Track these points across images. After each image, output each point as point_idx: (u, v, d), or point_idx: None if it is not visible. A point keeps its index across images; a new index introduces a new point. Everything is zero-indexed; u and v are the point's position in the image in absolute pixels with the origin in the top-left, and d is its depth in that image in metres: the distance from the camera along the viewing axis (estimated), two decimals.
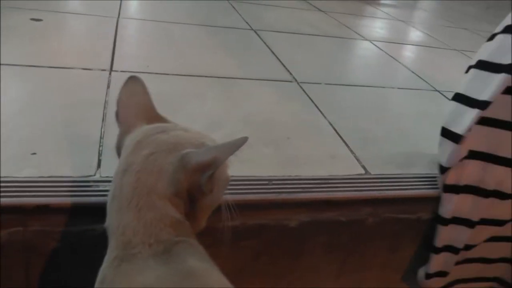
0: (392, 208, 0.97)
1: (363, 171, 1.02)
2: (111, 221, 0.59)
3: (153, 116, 0.68)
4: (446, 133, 1.00)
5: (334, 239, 0.95)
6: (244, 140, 0.56)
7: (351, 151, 1.09)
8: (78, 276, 0.84)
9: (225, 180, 0.64)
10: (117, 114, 0.68)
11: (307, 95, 1.35)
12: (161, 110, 1.14)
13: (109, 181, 0.86)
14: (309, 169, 0.99)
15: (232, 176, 0.92)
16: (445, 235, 1.01)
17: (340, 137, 1.14)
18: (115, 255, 0.56)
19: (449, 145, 0.98)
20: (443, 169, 0.99)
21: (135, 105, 0.68)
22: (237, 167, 0.92)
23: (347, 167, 1.02)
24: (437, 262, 1.03)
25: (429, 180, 1.05)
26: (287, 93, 1.36)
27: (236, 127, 1.11)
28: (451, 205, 0.99)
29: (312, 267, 0.97)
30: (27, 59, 1.28)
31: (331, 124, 1.20)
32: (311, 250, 0.96)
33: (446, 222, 1.00)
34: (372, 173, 1.02)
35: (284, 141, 1.08)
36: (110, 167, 0.89)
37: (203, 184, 0.56)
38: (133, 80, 0.69)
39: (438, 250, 1.03)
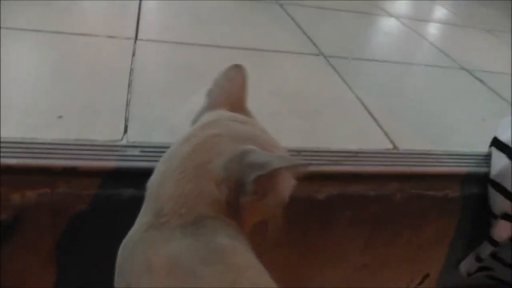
0: (419, 184, 0.96)
1: (391, 146, 1.00)
2: (153, 181, 0.58)
3: (239, 107, 0.67)
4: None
5: (361, 213, 0.94)
6: (303, 165, 0.56)
7: (379, 126, 1.07)
8: (103, 240, 0.84)
9: (279, 199, 0.61)
10: (210, 92, 0.67)
11: (334, 69, 1.32)
12: (187, 79, 1.13)
13: (136, 147, 0.86)
14: (337, 142, 0.97)
15: None
16: (493, 251, 1.01)
17: (368, 111, 1.12)
18: (146, 220, 0.56)
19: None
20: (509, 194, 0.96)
21: (228, 90, 0.68)
22: None
23: (375, 142, 1.00)
24: (479, 265, 1.03)
25: (457, 157, 1.03)
26: (314, 67, 1.34)
27: (264, 99, 1.10)
28: (507, 232, 0.97)
29: (338, 240, 0.96)
30: (51, 26, 1.27)
31: (358, 98, 1.17)
32: (338, 223, 0.95)
33: (496, 244, 0.99)
34: (401, 148, 1.00)
35: (312, 113, 1.07)
36: (137, 132, 0.88)
37: (248, 183, 0.54)
38: (237, 68, 0.70)
39: (482, 260, 1.02)
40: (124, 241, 0.57)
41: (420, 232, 1.02)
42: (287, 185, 0.61)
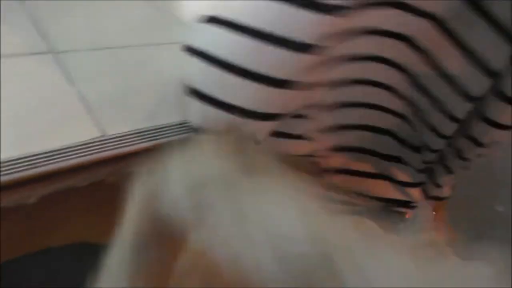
0: (130, 162, 1.08)
1: (100, 134, 1.09)
2: None
3: None
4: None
5: (79, 203, 1.04)
6: None
7: (92, 117, 1.14)
8: None
9: None
10: None
11: (60, 65, 1.33)
12: None
13: None
14: (44, 143, 1.03)
15: None
16: None
17: (85, 104, 1.18)
18: None
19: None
20: None
21: None
22: None
23: (86, 133, 1.08)
24: None
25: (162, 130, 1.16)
26: (39, 68, 1.31)
27: None
28: None
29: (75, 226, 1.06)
30: None
31: (79, 92, 1.22)
32: (67, 218, 1.05)
33: None
34: (110, 133, 1.09)
35: (23, 118, 1.09)
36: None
37: None
38: None
39: None
40: None
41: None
42: None
